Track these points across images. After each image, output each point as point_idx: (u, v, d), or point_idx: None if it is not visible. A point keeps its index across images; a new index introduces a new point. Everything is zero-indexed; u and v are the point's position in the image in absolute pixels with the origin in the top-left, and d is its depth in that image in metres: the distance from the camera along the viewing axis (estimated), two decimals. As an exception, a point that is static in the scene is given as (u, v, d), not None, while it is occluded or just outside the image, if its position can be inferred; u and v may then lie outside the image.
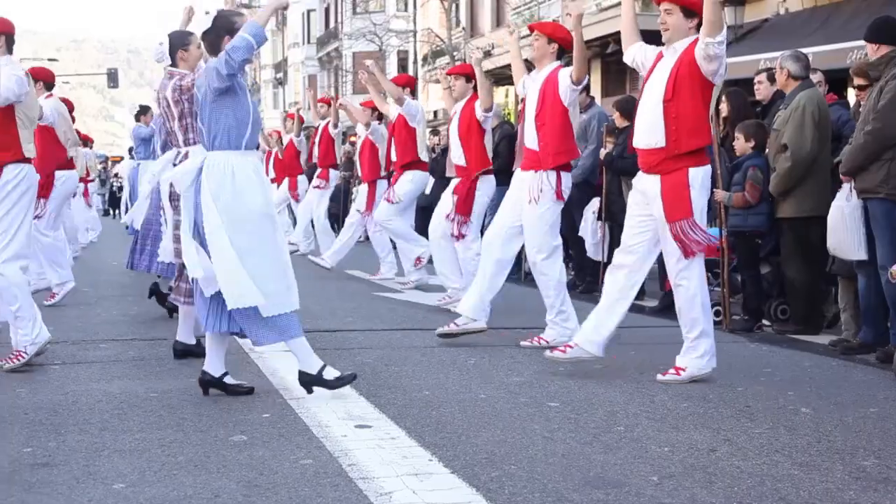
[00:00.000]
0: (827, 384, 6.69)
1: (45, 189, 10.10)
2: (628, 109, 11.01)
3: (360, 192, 14.07)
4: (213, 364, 6.13)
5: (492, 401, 6.01)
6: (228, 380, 6.13)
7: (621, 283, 6.88)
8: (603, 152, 11.28)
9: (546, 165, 7.97)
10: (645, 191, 6.74)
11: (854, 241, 7.77)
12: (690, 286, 6.66)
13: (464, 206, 9.98)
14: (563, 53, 8.19)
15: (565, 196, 8.10)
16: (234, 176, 5.91)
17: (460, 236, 10.06)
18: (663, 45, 6.79)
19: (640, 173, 6.85)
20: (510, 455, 4.81)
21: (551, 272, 8.09)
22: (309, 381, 6.04)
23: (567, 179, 8.13)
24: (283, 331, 5.97)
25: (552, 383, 6.57)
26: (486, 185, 10.08)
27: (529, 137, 8.10)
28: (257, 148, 6.46)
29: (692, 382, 6.54)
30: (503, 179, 10.87)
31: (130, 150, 19.10)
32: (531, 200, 7.97)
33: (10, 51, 7.29)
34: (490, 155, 10.02)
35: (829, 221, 7.99)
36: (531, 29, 8.39)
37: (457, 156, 10.12)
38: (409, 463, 4.68)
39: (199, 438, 5.12)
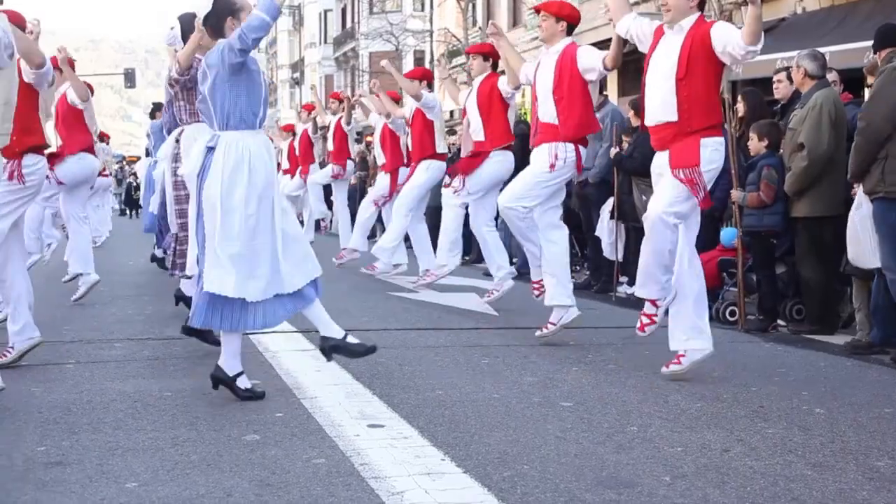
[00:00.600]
0: (841, 384, 6.67)
1: (57, 157, 10.12)
2: (644, 109, 11.00)
3: (378, 183, 14.08)
4: (228, 362, 6.07)
5: (505, 400, 6.01)
6: (241, 382, 6.02)
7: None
8: (613, 152, 11.27)
9: (566, 137, 8.00)
10: (661, 168, 6.72)
11: (868, 250, 7.76)
12: (694, 265, 6.65)
13: (467, 166, 10.00)
14: (572, 30, 8.21)
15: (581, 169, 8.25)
16: (250, 157, 5.93)
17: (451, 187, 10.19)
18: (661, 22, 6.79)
19: (656, 155, 6.81)
20: (523, 455, 4.81)
21: (520, 221, 8.17)
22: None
23: (584, 153, 8.18)
24: (241, 319, 5.97)
25: (565, 383, 6.56)
26: (501, 159, 10.01)
27: (546, 113, 8.11)
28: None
29: (705, 382, 6.52)
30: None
31: (147, 151, 19.19)
32: (550, 167, 7.99)
33: None
34: (512, 130, 10.00)
35: (848, 231, 7.98)
36: (537, 10, 8.42)
37: (476, 130, 10.09)
38: (421, 462, 4.68)
39: (212, 437, 5.13)
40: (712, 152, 6.58)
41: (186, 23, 7.59)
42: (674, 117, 6.56)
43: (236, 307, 5.93)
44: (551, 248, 8.18)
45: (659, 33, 6.78)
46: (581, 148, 8.12)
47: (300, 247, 6.12)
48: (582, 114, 8.07)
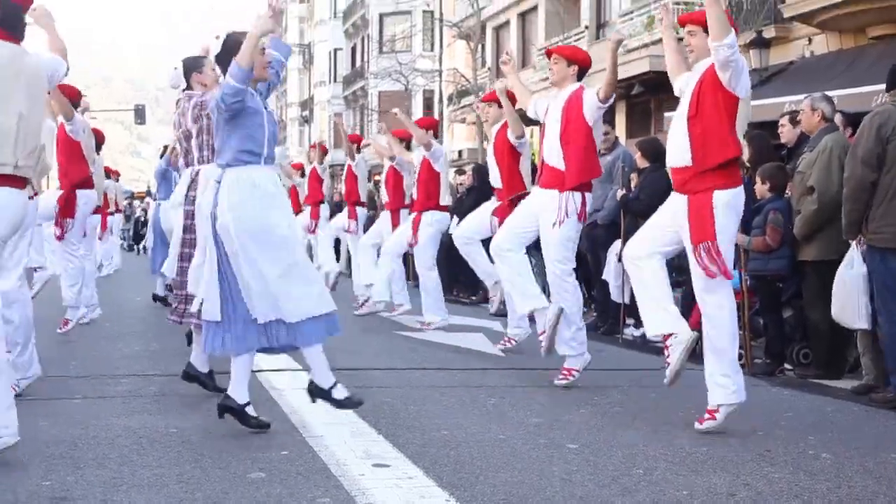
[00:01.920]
0: (848, 429, 6.65)
1: (69, 208, 10.20)
2: (651, 150, 11.03)
3: (381, 220, 14.10)
4: (238, 391, 6.13)
5: (510, 441, 6.00)
6: (250, 410, 6.13)
7: (651, 266, 6.76)
8: (619, 193, 11.28)
9: (570, 184, 8.06)
10: (675, 210, 6.69)
11: (854, 310, 7.77)
12: (721, 314, 6.54)
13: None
14: (583, 75, 8.27)
15: (587, 216, 8.24)
16: (255, 189, 6.00)
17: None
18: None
19: (673, 194, 6.79)
20: (528, 496, 4.79)
21: (572, 280, 8.21)
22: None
23: (589, 200, 8.23)
24: (278, 338, 6.07)
25: (571, 425, 6.55)
26: None
27: (553, 156, 8.19)
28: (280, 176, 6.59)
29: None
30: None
31: (148, 190, 19.38)
32: (556, 223, 8.02)
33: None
34: (528, 179, 10.03)
35: (834, 287, 7.96)
36: (549, 54, 8.49)
37: (494, 178, 10.17)
38: (426, 503, 4.67)
39: (217, 475, 5.12)
40: (726, 208, 6.47)
41: (189, 64, 7.65)
42: (689, 160, 6.54)
43: (239, 329, 6.00)
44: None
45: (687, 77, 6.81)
46: (587, 195, 8.19)
47: (311, 279, 6.16)
48: (585, 159, 8.12)
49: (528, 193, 9.93)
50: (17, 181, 5.86)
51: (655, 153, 10.82)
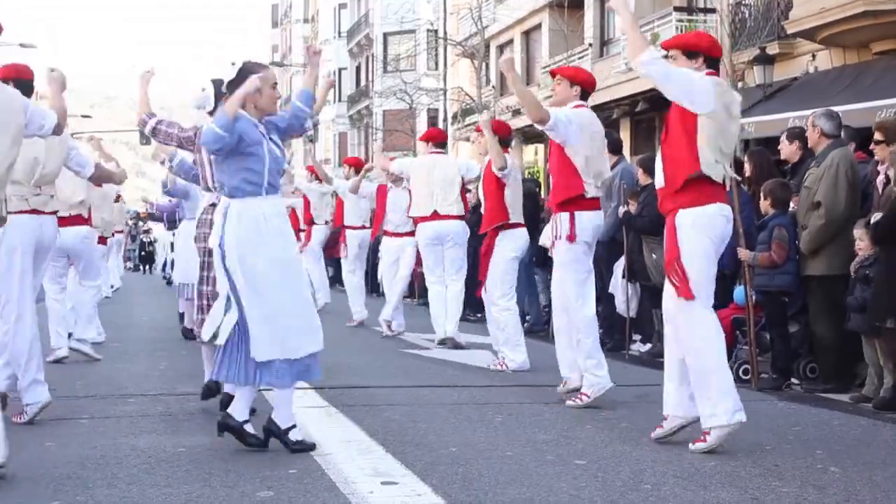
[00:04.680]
0: (856, 443, 6.64)
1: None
2: (651, 166, 11.03)
3: (383, 249, 14.14)
4: (239, 410, 6.17)
5: (518, 458, 6.00)
6: (248, 428, 6.16)
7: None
8: (621, 211, 11.28)
9: (552, 203, 8.15)
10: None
11: None
12: (692, 340, 6.36)
13: (483, 263, 10.02)
14: (586, 96, 8.22)
15: (578, 237, 7.88)
16: (260, 222, 6.04)
17: (480, 288, 10.09)
18: None
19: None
20: (536, 512, 4.80)
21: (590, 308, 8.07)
22: (273, 433, 6.14)
23: (580, 219, 7.90)
24: (279, 375, 6.06)
25: (579, 441, 6.55)
26: (508, 239, 10.01)
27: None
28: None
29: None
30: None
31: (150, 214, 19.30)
32: (553, 241, 8.09)
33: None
34: (510, 210, 9.99)
35: None
36: (552, 74, 8.47)
37: (483, 206, 10.21)
38: (434, 519, 4.68)
39: (225, 494, 5.13)
40: (691, 228, 6.32)
41: (220, 86, 7.70)
42: (662, 182, 6.53)
43: (251, 365, 6.02)
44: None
45: None
46: (576, 214, 7.90)
47: (310, 314, 6.21)
48: (559, 179, 8.01)
49: (512, 224, 9.95)
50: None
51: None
